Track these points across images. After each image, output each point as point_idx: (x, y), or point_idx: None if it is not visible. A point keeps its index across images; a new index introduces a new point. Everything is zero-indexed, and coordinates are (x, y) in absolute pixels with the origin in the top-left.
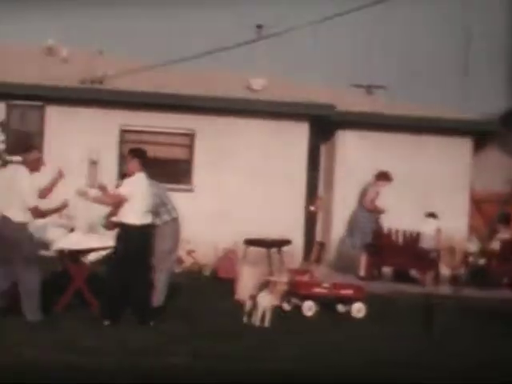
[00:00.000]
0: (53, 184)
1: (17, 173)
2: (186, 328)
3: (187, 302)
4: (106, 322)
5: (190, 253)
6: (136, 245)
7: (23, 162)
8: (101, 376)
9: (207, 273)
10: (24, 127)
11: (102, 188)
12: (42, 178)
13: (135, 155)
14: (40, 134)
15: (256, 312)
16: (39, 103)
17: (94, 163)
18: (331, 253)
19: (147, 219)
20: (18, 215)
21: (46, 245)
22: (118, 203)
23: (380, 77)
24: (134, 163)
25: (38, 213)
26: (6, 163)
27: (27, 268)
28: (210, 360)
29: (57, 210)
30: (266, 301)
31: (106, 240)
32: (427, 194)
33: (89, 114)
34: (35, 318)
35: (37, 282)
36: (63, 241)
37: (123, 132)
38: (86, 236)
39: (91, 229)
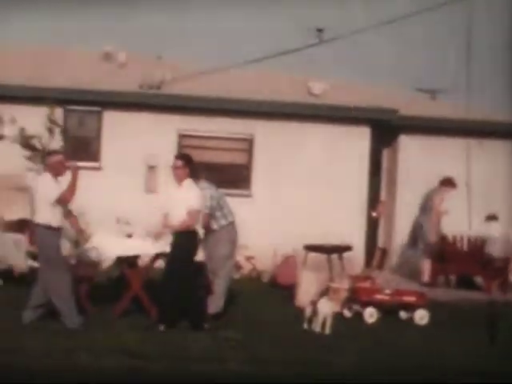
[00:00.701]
0: (73, 182)
1: (40, 179)
2: (244, 334)
3: (246, 308)
4: (162, 327)
5: (248, 259)
6: (191, 249)
7: (46, 167)
8: (157, 381)
9: (266, 279)
10: (81, 132)
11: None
12: (66, 182)
13: (183, 161)
14: (97, 139)
15: (316, 318)
16: (97, 108)
17: (152, 168)
18: (394, 259)
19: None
20: (43, 218)
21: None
22: (196, 219)
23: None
24: (181, 171)
25: (66, 201)
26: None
27: (55, 274)
28: (269, 366)
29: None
30: (327, 307)
31: (164, 246)
32: (489, 199)
33: (147, 119)
34: (74, 325)
35: (67, 289)
36: (120, 247)
37: (181, 137)
38: (143, 242)
39: (149, 234)
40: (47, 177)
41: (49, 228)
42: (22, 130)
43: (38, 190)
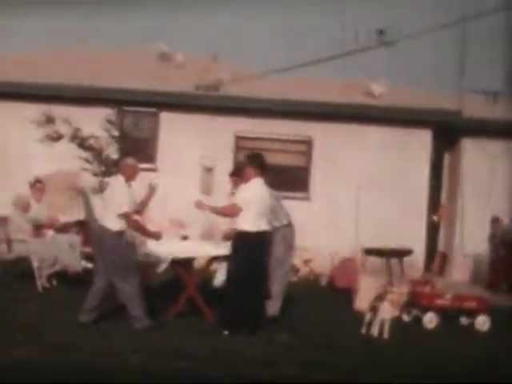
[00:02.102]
0: (147, 200)
1: (112, 181)
2: (301, 338)
3: (303, 311)
4: (226, 332)
5: (306, 262)
6: (252, 252)
7: (119, 170)
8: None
9: (324, 282)
10: (137, 134)
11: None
12: (137, 187)
13: (253, 161)
14: (153, 140)
15: (375, 323)
16: (153, 109)
17: (208, 170)
18: (455, 264)
19: (262, 225)
20: (112, 223)
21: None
22: (234, 212)
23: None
24: (250, 170)
25: (131, 221)
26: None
27: (125, 276)
28: (325, 371)
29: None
30: (386, 312)
31: (221, 248)
32: None
33: (203, 121)
34: (142, 326)
35: (136, 290)
36: (176, 249)
37: (238, 139)
38: (199, 244)
39: (205, 237)
40: (120, 181)
41: (118, 232)
42: (78, 130)
43: (110, 193)
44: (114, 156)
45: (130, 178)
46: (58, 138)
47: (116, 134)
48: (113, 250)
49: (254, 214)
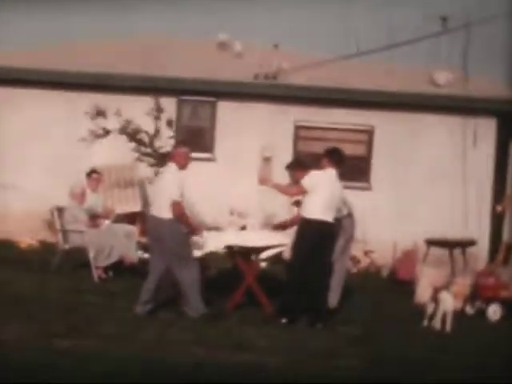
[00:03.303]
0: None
1: (165, 169)
2: (361, 330)
3: (363, 303)
4: (284, 320)
5: (367, 253)
6: (317, 241)
7: (171, 157)
8: (272, 376)
9: (385, 274)
10: (195, 123)
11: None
12: (186, 177)
13: (330, 156)
14: (211, 130)
15: (437, 315)
16: (211, 98)
17: (267, 160)
18: None
19: (329, 215)
20: (165, 211)
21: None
22: (299, 194)
23: None
24: (325, 162)
25: (180, 211)
26: None
27: (184, 264)
28: (385, 364)
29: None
30: (448, 304)
31: (280, 238)
32: None
33: (262, 110)
34: (197, 314)
35: (194, 278)
36: (235, 238)
37: (298, 128)
38: (258, 233)
39: (264, 226)
40: (172, 169)
41: (172, 219)
42: (128, 122)
43: (162, 182)
44: (167, 147)
45: (182, 166)
46: (104, 134)
47: (168, 123)
48: (170, 238)
49: (321, 201)
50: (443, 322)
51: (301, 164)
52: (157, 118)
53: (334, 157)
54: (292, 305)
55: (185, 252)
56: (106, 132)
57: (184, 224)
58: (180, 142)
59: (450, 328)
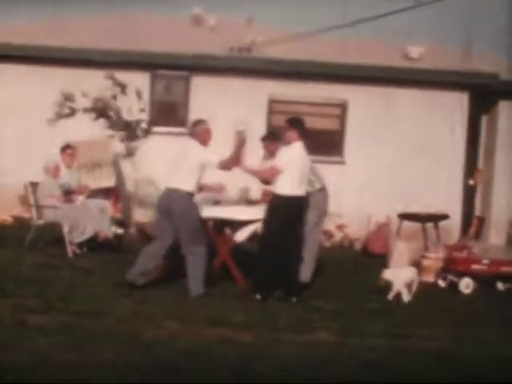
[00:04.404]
0: (237, 152)
1: (188, 145)
2: (334, 304)
3: (337, 277)
4: (258, 297)
5: (340, 227)
6: (289, 216)
7: (192, 135)
8: (246, 350)
9: (358, 247)
10: (169, 97)
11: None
12: (211, 153)
13: (293, 125)
14: (185, 104)
15: (402, 288)
16: (185, 73)
17: (240, 133)
18: (492, 228)
19: (301, 189)
20: (184, 184)
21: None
22: (273, 176)
23: None
24: (291, 133)
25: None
26: (148, 134)
27: (194, 241)
28: (356, 337)
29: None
30: (406, 276)
31: (254, 212)
32: None
33: (236, 84)
34: (199, 293)
35: (202, 257)
36: (209, 211)
37: (271, 102)
38: (232, 207)
39: (238, 202)
40: (195, 144)
41: (190, 193)
42: (97, 100)
43: (183, 156)
44: (141, 121)
45: (204, 142)
46: (71, 113)
47: (137, 97)
48: (186, 211)
49: (293, 177)
50: (402, 294)
51: (275, 136)
52: (114, 97)
53: (300, 128)
54: (265, 281)
55: (198, 228)
56: (73, 111)
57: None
58: (199, 120)
59: (408, 299)
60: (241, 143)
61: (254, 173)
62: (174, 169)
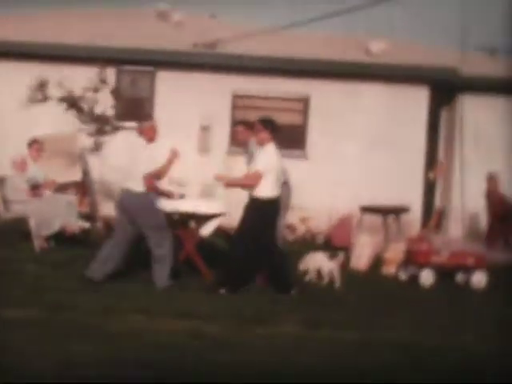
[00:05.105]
0: (169, 164)
1: (134, 144)
2: (299, 296)
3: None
4: (222, 291)
5: (303, 220)
6: (267, 217)
7: (139, 132)
8: (211, 342)
9: (321, 241)
10: (135, 93)
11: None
12: (158, 149)
13: (266, 126)
14: (150, 99)
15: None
16: (150, 68)
17: (205, 129)
18: (452, 220)
19: (277, 191)
20: (137, 185)
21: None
22: (257, 182)
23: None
24: (264, 134)
25: (151, 183)
26: (115, 129)
27: (158, 236)
28: (323, 329)
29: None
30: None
31: (217, 206)
32: None
33: (201, 79)
34: (164, 285)
35: (167, 250)
36: (172, 205)
37: (235, 97)
38: (195, 201)
39: (202, 196)
40: (142, 144)
41: (144, 192)
42: (70, 92)
43: (133, 156)
44: (107, 114)
45: (150, 139)
46: (43, 99)
47: (111, 93)
48: (143, 210)
49: (272, 180)
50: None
51: (250, 126)
52: (96, 91)
53: (272, 128)
54: (233, 277)
55: (159, 224)
56: (45, 98)
57: (157, 193)
58: (147, 116)
59: (338, 284)
60: (173, 157)
61: (238, 184)
62: (127, 169)
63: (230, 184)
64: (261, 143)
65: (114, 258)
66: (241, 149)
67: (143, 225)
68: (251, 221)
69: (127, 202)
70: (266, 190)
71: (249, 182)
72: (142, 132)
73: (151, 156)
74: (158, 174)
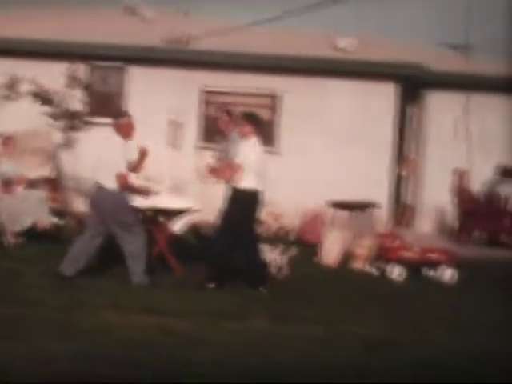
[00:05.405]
0: (139, 163)
1: (110, 140)
2: (270, 292)
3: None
4: (211, 286)
5: (275, 217)
6: (250, 209)
7: (115, 128)
8: (185, 338)
9: (293, 237)
10: (105, 88)
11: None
12: (132, 147)
13: (249, 120)
14: (121, 95)
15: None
16: (120, 64)
17: (176, 124)
18: (421, 216)
19: (259, 184)
20: (110, 182)
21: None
22: (238, 175)
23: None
24: (247, 127)
25: (124, 182)
26: (87, 125)
27: (128, 233)
28: (292, 324)
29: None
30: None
31: (188, 202)
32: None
33: (171, 75)
34: (141, 282)
35: (140, 246)
36: (143, 201)
37: (205, 93)
38: (167, 197)
39: (175, 191)
40: (117, 141)
41: (120, 191)
42: (41, 87)
43: (107, 153)
44: (79, 110)
45: (126, 136)
46: (15, 97)
47: (83, 89)
48: (116, 208)
49: (255, 172)
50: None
51: (231, 116)
52: (68, 86)
53: (255, 123)
54: (220, 270)
55: (131, 221)
56: (17, 95)
57: (132, 192)
58: (123, 112)
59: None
60: (143, 155)
61: (219, 176)
62: (101, 165)
63: (214, 173)
64: (242, 136)
65: (86, 254)
66: (212, 143)
67: (113, 222)
68: (235, 212)
69: (99, 198)
70: (250, 181)
71: (228, 176)
72: (117, 128)
73: (126, 153)
74: (130, 171)
